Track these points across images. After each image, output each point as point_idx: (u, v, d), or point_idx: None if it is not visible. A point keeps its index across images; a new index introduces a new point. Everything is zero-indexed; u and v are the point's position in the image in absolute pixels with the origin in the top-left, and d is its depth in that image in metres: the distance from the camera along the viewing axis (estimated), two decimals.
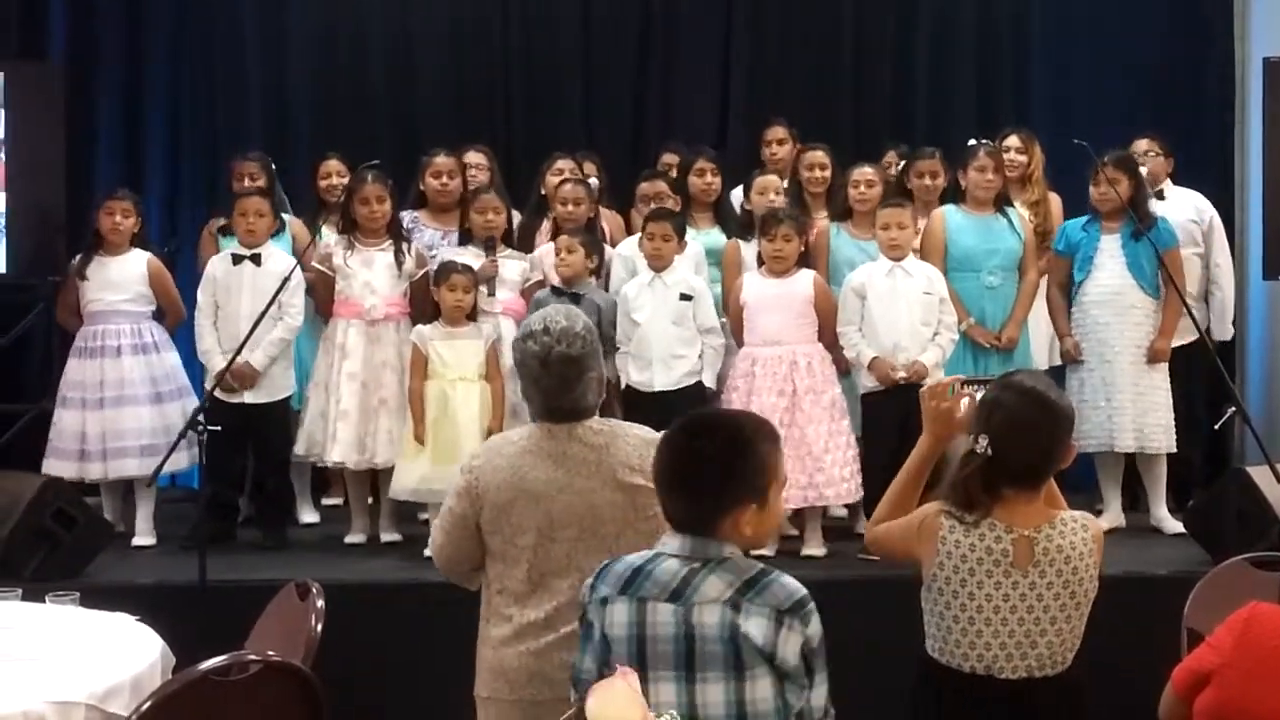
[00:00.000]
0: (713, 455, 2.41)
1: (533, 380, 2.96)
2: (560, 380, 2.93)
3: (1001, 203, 5.59)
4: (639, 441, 2.96)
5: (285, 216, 5.90)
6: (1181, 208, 6.02)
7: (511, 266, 5.54)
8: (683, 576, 2.39)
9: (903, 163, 6.03)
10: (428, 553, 3.58)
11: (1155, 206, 5.76)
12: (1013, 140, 6.01)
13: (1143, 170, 5.76)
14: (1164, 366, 5.53)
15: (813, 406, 5.16)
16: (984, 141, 5.74)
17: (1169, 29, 7.22)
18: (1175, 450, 5.55)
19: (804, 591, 2.37)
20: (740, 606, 2.34)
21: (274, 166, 6.10)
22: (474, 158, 6.16)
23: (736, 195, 5.98)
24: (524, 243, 5.76)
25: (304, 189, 6.24)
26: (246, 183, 5.92)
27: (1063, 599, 2.80)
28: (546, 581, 2.93)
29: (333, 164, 6.08)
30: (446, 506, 3.04)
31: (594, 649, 2.45)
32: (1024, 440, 2.79)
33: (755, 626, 2.33)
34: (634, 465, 2.92)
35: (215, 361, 5.35)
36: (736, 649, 2.34)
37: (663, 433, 2.55)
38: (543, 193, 5.93)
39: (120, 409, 5.40)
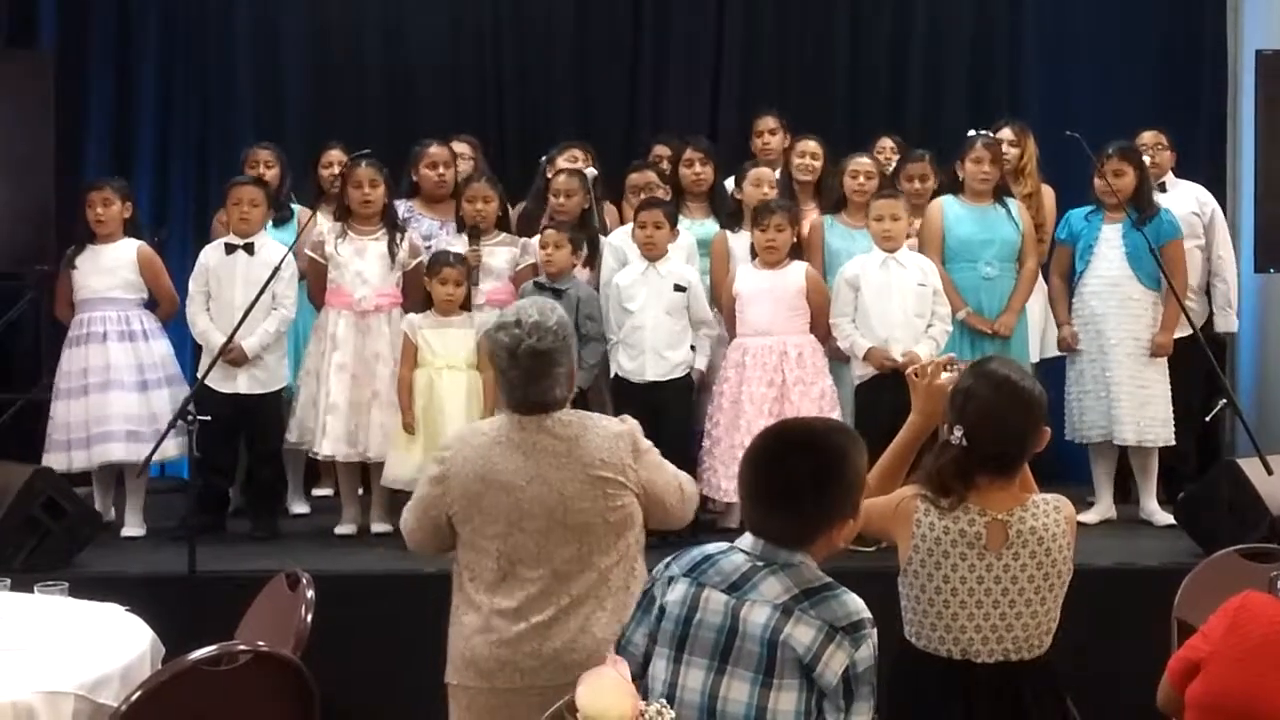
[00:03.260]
0: (808, 478, 2.40)
1: (501, 371, 3.00)
2: (527, 373, 2.95)
3: (1000, 194, 5.58)
4: (608, 434, 2.98)
5: (294, 207, 5.90)
6: (1183, 200, 6.01)
7: (501, 254, 5.51)
8: (744, 571, 2.40)
9: (897, 158, 6.03)
10: None
11: (1158, 198, 5.75)
12: (1005, 133, 5.99)
13: (1147, 161, 5.75)
14: (1163, 360, 5.53)
15: (801, 398, 5.16)
16: (982, 133, 5.72)
17: (1162, 23, 7.22)
18: (1173, 443, 5.55)
19: (865, 614, 2.36)
20: (792, 613, 2.33)
21: (286, 158, 6.09)
22: (460, 147, 6.16)
23: (731, 186, 5.97)
24: (527, 230, 5.73)
25: (298, 178, 6.22)
26: (262, 169, 5.93)
27: (1037, 581, 2.80)
28: (516, 571, 2.94)
29: (334, 153, 6.10)
30: (418, 494, 3.07)
31: (648, 623, 2.46)
32: (998, 429, 2.80)
33: (801, 635, 2.32)
34: (604, 458, 2.94)
35: (214, 339, 5.30)
36: (772, 654, 2.33)
37: (750, 448, 2.50)
38: (549, 176, 5.91)
39: (106, 394, 5.35)
